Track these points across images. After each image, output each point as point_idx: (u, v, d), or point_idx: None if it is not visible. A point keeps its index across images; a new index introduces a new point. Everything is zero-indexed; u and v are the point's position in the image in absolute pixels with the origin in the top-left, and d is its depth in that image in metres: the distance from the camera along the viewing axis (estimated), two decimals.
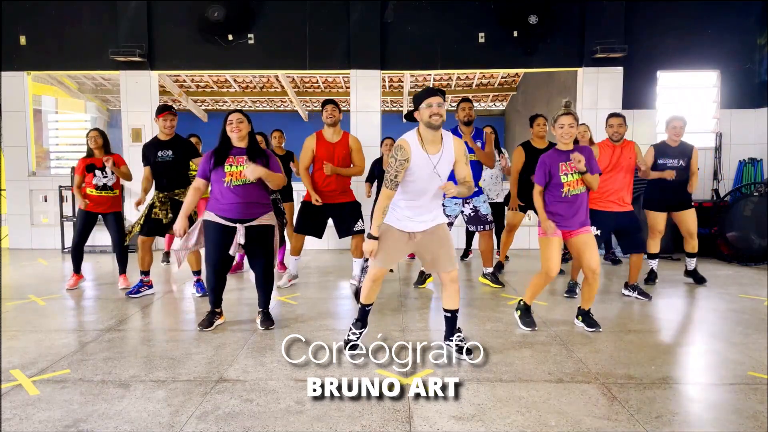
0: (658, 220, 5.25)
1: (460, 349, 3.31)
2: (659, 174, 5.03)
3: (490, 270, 5.33)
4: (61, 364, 3.25)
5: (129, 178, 5.29)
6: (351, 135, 5.10)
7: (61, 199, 7.64)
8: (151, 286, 5.03)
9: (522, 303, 3.96)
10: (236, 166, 3.77)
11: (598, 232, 4.57)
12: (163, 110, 4.88)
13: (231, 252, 3.81)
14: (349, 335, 3.48)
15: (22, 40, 7.73)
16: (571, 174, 3.68)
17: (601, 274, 5.95)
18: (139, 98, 7.65)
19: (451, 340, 3.40)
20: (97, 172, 5.15)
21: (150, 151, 4.89)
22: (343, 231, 5.08)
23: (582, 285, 3.95)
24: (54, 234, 7.82)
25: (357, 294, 4.59)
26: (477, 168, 5.13)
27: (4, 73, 7.75)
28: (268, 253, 3.93)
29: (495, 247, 6.09)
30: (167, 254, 6.74)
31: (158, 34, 7.66)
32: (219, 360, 3.31)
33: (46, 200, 7.91)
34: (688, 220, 5.24)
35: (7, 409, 2.65)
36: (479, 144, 5.09)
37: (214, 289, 3.97)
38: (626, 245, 4.87)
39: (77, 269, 5.33)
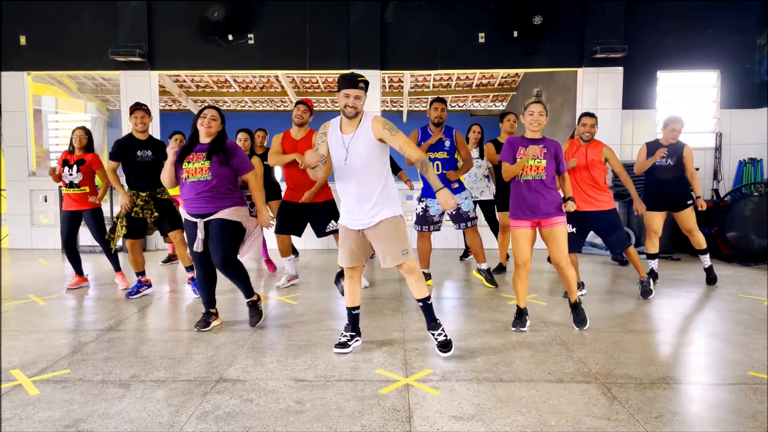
0: (654, 219, 5.24)
1: (439, 345, 3.39)
2: (652, 159, 5.01)
3: (484, 266, 5.33)
4: (61, 364, 3.25)
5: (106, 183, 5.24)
6: (315, 132, 5.07)
7: (61, 199, 7.63)
8: (149, 286, 5.04)
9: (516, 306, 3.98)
10: (194, 163, 3.74)
11: (574, 230, 4.59)
12: (135, 108, 4.80)
13: (194, 249, 3.79)
14: (339, 338, 3.53)
15: (22, 40, 7.73)
16: (528, 159, 3.69)
17: (606, 273, 5.98)
18: (139, 98, 7.57)
19: (433, 334, 3.45)
20: (66, 169, 5.11)
21: (127, 149, 4.79)
22: (318, 231, 5.12)
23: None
24: (54, 234, 7.82)
25: (339, 276, 4.60)
26: (451, 164, 5.13)
27: (4, 73, 7.75)
28: (226, 247, 3.77)
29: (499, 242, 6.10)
30: (171, 256, 6.74)
31: (158, 34, 7.66)
32: (219, 360, 3.31)
33: (46, 200, 7.91)
34: (685, 219, 5.22)
35: (7, 409, 2.65)
36: (448, 143, 5.08)
37: (202, 285, 3.97)
38: (609, 245, 4.87)
39: (78, 271, 5.33)
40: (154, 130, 6.93)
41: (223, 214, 3.77)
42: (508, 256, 6.26)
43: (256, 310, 4.02)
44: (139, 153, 4.79)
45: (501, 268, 6.03)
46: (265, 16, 7.65)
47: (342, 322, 4.10)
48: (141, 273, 4.97)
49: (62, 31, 7.71)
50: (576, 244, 4.61)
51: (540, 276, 5.81)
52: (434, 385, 2.93)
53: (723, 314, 4.39)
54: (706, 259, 5.41)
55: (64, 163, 5.14)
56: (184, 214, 3.88)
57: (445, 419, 2.55)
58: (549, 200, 3.73)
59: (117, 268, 5.36)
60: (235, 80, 13.14)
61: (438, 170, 5.04)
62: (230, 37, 7.59)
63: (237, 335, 3.80)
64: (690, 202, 5.20)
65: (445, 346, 3.37)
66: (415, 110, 15.61)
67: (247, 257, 4.01)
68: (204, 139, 3.82)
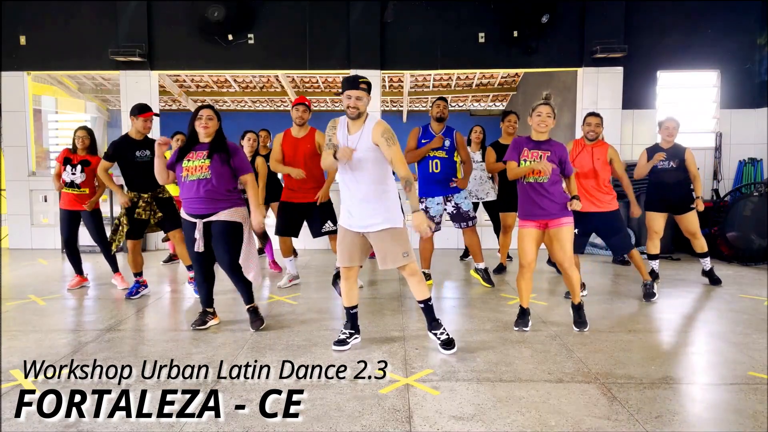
0: (655, 220, 5.23)
1: (442, 343, 3.43)
2: (650, 163, 5.02)
3: (482, 266, 5.34)
4: (61, 364, 3.25)
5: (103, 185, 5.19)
6: (318, 132, 5.06)
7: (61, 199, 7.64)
8: (146, 286, 5.03)
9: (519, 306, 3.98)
10: (194, 161, 3.73)
11: (576, 230, 4.55)
12: (148, 110, 4.75)
13: (195, 249, 3.78)
14: (339, 335, 3.56)
15: (22, 40, 7.73)
16: (530, 161, 3.68)
17: (607, 274, 5.97)
18: (139, 98, 7.58)
19: (435, 334, 3.48)
20: (68, 168, 5.08)
21: (125, 150, 4.73)
22: (314, 231, 5.11)
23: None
24: (54, 234, 7.82)
25: (336, 277, 4.54)
26: (450, 163, 5.14)
27: (4, 73, 7.75)
28: (231, 250, 3.80)
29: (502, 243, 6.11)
30: (172, 256, 6.74)
31: (158, 34, 7.66)
32: (219, 360, 3.30)
33: (46, 200, 7.91)
34: (687, 221, 5.22)
35: (7, 410, 2.65)
36: (448, 142, 5.10)
37: (201, 285, 3.98)
38: (612, 248, 4.85)
39: (78, 270, 5.32)
40: (155, 130, 6.93)
41: (224, 215, 3.76)
42: (509, 257, 6.26)
43: (257, 316, 3.98)
44: (138, 153, 4.75)
45: (501, 268, 6.03)
46: (265, 16, 7.64)
47: (342, 321, 4.10)
48: (139, 274, 4.96)
49: (62, 31, 7.70)
50: (578, 244, 4.59)
51: (540, 276, 5.80)
52: (434, 385, 2.93)
53: (723, 314, 4.39)
54: (707, 263, 5.41)
55: (66, 161, 5.12)
56: (182, 214, 3.87)
57: (445, 419, 2.55)
58: (554, 200, 3.70)
59: (115, 269, 5.35)
60: (235, 80, 13.14)
61: (437, 168, 5.06)
62: (230, 37, 7.58)
63: (237, 335, 3.80)
64: (692, 205, 5.19)
65: (448, 343, 3.41)
66: (415, 110, 15.61)
67: (251, 277, 3.92)
68: (203, 138, 3.81)
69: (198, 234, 3.75)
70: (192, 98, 13.82)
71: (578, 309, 3.93)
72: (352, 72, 7.60)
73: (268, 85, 13.62)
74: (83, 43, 7.68)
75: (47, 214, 7.95)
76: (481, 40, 7.62)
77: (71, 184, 5.11)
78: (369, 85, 3.27)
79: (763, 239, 6.40)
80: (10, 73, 7.76)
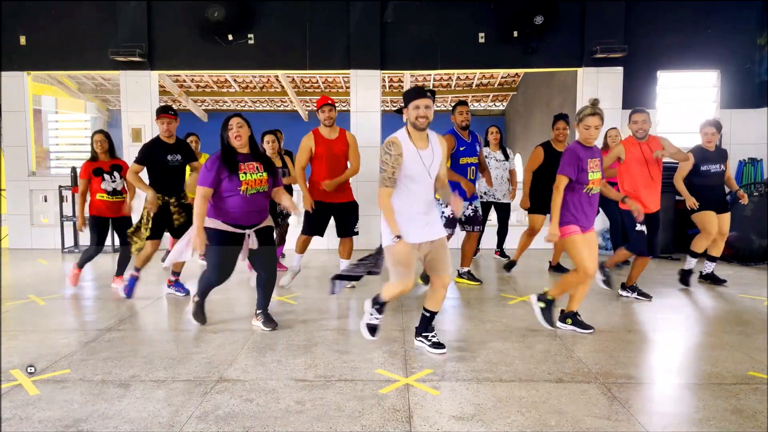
0: (713, 220, 5.15)
1: (434, 345, 3.44)
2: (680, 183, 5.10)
3: (466, 269, 5.38)
4: (61, 364, 3.25)
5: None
6: (348, 132, 5.11)
7: (61, 199, 7.64)
8: (138, 278, 4.97)
9: (548, 297, 3.87)
10: (251, 174, 3.72)
11: (643, 228, 4.41)
12: (162, 112, 4.72)
13: (241, 259, 3.83)
14: (371, 320, 3.55)
15: (22, 40, 7.73)
16: (593, 172, 3.65)
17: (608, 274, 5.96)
18: (139, 98, 7.65)
19: (426, 337, 3.47)
20: (106, 176, 5.06)
21: (157, 154, 4.70)
22: (344, 231, 5.06)
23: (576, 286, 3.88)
24: (54, 234, 7.82)
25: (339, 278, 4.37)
26: (477, 171, 5.20)
27: (4, 73, 7.75)
28: (273, 254, 3.97)
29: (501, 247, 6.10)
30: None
31: (158, 34, 7.66)
32: (219, 360, 3.31)
33: (46, 200, 7.91)
34: (725, 222, 5.24)
35: (7, 409, 2.65)
36: (478, 147, 5.17)
37: (212, 289, 3.98)
38: (654, 246, 4.74)
39: (81, 265, 5.25)
40: (155, 130, 6.92)
41: (267, 221, 3.91)
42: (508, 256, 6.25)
43: (270, 317, 3.98)
44: (169, 157, 4.72)
45: (512, 264, 5.96)
46: (265, 16, 7.64)
47: (341, 321, 4.11)
48: (139, 269, 4.92)
49: (62, 31, 7.70)
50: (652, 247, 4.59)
51: (541, 276, 5.81)
52: (434, 385, 2.93)
53: (723, 314, 4.39)
54: (712, 266, 5.40)
55: (97, 172, 5.06)
56: (223, 226, 3.70)
57: (445, 419, 2.55)
58: (597, 208, 3.77)
59: (120, 272, 5.27)
60: (235, 80, 13.15)
61: (473, 175, 5.12)
62: (230, 37, 7.59)
63: (237, 335, 3.80)
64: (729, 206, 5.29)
65: (439, 345, 3.43)
66: None
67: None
68: (241, 149, 3.76)
69: (254, 244, 3.79)
70: (192, 98, 13.83)
71: (576, 315, 3.89)
72: (352, 72, 7.61)
73: (268, 85, 13.63)
74: (83, 43, 7.69)
75: (47, 214, 7.96)
76: (481, 40, 7.62)
77: (113, 192, 5.07)
78: (434, 93, 3.24)
79: (763, 239, 6.40)
80: (10, 73, 7.76)
